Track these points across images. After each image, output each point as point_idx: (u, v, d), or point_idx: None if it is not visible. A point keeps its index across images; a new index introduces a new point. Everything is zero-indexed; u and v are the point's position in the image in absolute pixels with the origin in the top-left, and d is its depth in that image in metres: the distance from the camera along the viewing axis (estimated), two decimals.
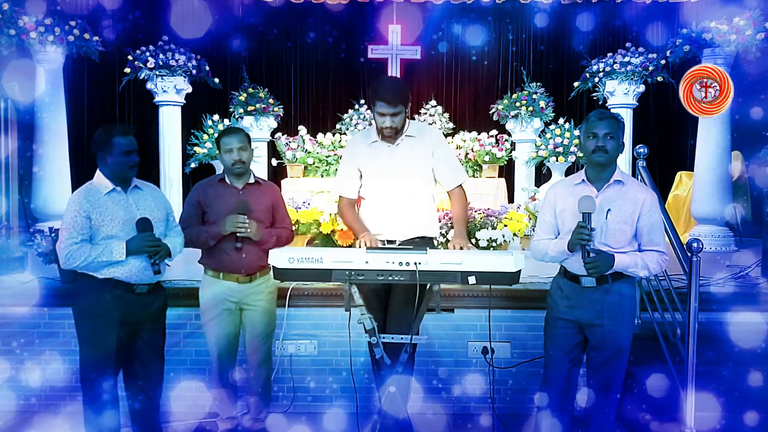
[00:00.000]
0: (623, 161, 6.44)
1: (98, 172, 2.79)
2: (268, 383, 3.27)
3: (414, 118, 3.13)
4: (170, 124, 6.41)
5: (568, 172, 6.55)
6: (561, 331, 2.77)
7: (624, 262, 2.60)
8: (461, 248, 2.76)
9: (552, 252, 2.73)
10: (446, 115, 8.09)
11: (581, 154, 3.51)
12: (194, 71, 6.33)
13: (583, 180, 2.71)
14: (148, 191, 2.91)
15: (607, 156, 2.62)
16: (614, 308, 2.66)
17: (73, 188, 6.07)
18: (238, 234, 2.98)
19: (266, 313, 3.19)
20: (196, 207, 3.12)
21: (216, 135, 6.39)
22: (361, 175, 3.12)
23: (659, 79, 6.37)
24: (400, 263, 2.41)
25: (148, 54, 6.16)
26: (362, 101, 8.06)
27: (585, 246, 2.54)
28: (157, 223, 2.83)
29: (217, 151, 3.18)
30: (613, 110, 6.46)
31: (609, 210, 2.62)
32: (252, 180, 3.16)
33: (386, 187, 3.04)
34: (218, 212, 3.06)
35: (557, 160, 6.59)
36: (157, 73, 6.17)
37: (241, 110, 7.01)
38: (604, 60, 6.48)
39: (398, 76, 6.93)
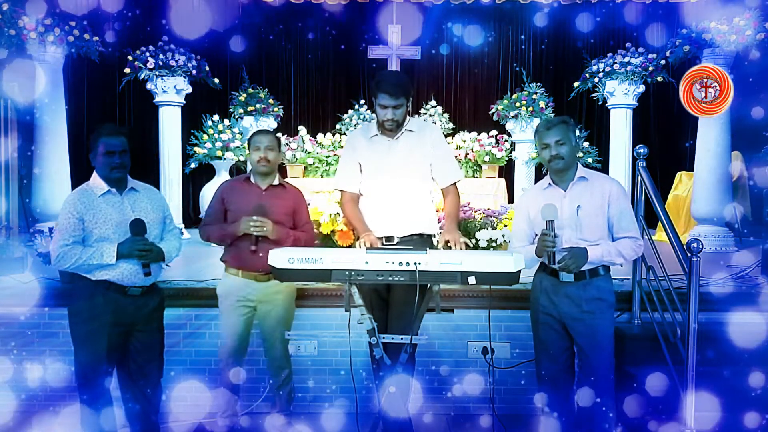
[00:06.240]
0: (623, 161, 6.45)
1: (94, 174, 2.80)
2: (288, 381, 3.31)
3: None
4: (170, 125, 6.41)
5: None
6: (546, 327, 2.83)
7: (598, 253, 2.68)
8: (454, 242, 2.76)
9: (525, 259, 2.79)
10: (446, 115, 8.09)
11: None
12: (194, 71, 6.32)
13: (549, 184, 2.84)
14: (145, 193, 2.91)
15: (563, 162, 2.74)
16: (593, 303, 2.73)
17: (73, 188, 6.08)
18: (254, 234, 2.99)
19: (284, 312, 3.21)
20: (220, 203, 3.17)
21: (216, 135, 6.44)
22: (361, 170, 3.13)
23: (659, 79, 6.37)
24: (400, 263, 2.41)
25: (148, 54, 6.16)
26: (362, 101, 8.07)
27: (550, 252, 2.63)
28: (153, 225, 2.83)
29: (247, 152, 3.19)
30: (613, 110, 6.57)
31: (579, 206, 2.72)
32: (276, 182, 3.19)
33: (385, 183, 3.04)
34: (238, 210, 3.09)
35: None
36: (157, 73, 6.17)
37: (241, 110, 7.02)
38: (603, 60, 6.48)
39: None
